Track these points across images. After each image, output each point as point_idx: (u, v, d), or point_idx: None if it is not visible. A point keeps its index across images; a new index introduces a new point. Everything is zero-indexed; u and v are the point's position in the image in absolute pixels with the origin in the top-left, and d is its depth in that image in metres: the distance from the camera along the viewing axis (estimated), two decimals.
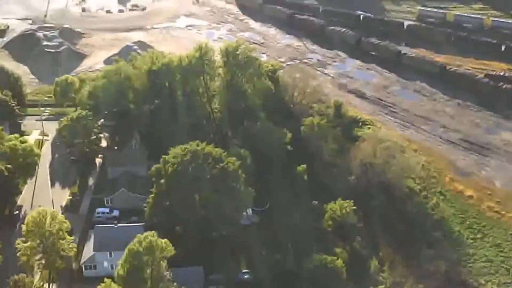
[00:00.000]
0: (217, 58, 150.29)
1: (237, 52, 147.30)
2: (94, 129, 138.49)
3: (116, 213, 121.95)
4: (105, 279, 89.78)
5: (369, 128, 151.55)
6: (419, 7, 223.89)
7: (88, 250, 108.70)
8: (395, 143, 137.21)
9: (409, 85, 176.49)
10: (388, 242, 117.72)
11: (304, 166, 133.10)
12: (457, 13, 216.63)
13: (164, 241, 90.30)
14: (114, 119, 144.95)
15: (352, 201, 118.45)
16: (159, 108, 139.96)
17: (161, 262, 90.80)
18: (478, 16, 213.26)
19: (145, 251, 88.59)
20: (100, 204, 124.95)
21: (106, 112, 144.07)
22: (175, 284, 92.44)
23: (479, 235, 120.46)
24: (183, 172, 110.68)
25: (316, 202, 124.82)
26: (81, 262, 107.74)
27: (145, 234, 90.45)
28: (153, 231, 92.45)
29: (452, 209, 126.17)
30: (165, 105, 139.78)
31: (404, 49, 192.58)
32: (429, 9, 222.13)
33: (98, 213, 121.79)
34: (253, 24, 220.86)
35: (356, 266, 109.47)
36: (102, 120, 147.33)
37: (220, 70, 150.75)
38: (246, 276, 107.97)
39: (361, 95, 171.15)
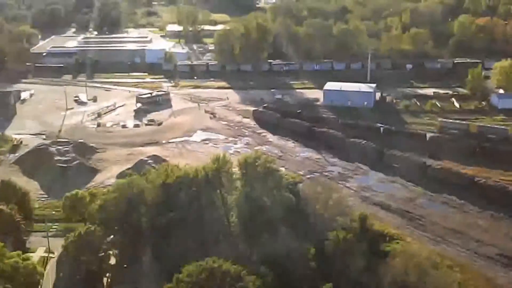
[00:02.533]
0: (235, 170, 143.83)
1: (256, 164, 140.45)
2: (102, 246, 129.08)
3: None
4: None
5: (398, 243, 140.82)
6: (440, 119, 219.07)
7: None
8: (427, 259, 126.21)
9: (437, 197, 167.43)
10: None
11: (330, 285, 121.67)
12: (480, 124, 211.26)
13: None
14: (124, 235, 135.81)
15: None
16: (173, 222, 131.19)
17: None
18: (502, 126, 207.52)
19: None
20: None
21: (116, 228, 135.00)
22: None
23: None
24: None
25: None
26: None
27: None
28: None
29: None
30: (179, 219, 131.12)
31: (429, 161, 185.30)
32: (450, 120, 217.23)
33: None
34: (270, 137, 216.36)
35: None
36: (111, 236, 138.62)
37: (238, 183, 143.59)
38: None
39: (387, 208, 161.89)
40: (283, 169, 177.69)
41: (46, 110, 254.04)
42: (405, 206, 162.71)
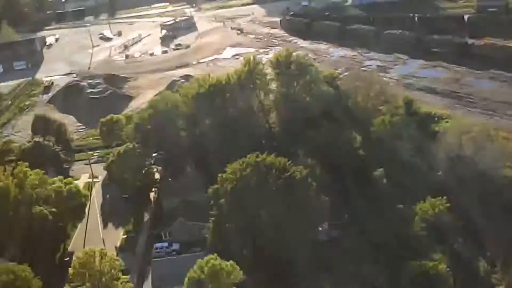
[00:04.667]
0: (268, 71, 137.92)
1: (290, 61, 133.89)
2: (144, 162, 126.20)
3: (176, 246, 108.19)
4: None
5: (447, 122, 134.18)
6: None
7: None
8: (482, 132, 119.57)
9: (483, 74, 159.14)
10: (495, 239, 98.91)
11: (382, 170, 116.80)
12: None
13: (230, 263, 75.10)
14: (165, 150, 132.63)
15: (445, 197, 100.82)
16: (212, 129, 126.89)
17: None
18: None
19: (209, 278, 73.56)
20: (158, 240, 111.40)
21: (155, 144, 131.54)
22: None
23: None
24: (244, 188, 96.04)
25: (402, 206, 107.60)
26: None
27: (207, 258, 75.51)
28: (215, 254, 77.32)
29: None
30: (218, 125, 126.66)
31: (470, 41, 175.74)
32: None
33: (157, 248, 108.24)
34: (302, 43, 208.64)
35: (461, 270, 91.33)
36: (155, 153, 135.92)
37: (273, 84, 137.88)
38: None
39: (432, 91, 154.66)
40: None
41: (73, 51, 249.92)
42: (451, 87, 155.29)
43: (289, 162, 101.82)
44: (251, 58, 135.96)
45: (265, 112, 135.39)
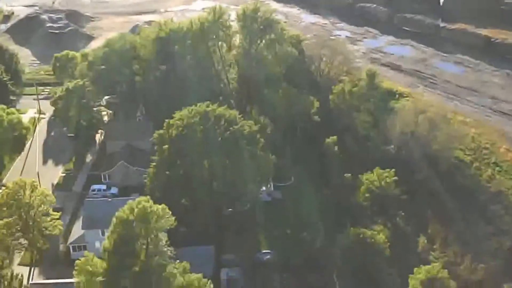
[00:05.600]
0: (233, 23, 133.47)
1: (257, 15, 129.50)
2: (93, 102, 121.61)
3: (114, 190, 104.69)
4: (87, 253, 71.79)
5: (408, 100, 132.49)
6: None
7: (77, 229, 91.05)
8: (439, 113, 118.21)
9: (450, 58, 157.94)
10: (437, 217, 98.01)
11: (334, 137, 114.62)
12: None
13: (161, 207, 71.80)
14: (116, 92, 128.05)
15: (393, 170, 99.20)
16: (167, 76, 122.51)
17: (159, 234, 72.24)
18: None
19: (138, 220, 70.21)
20: (98, 182, 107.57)
21: (107, 85, 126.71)
22: (177, 261, 73.58)
23: None
24: (189, 136, 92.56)
25: (350, 175, 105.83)
26: (68, 242, 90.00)
27: (138, 199, 72.07)
28: (148, 197, 73.89)
29: (511, 181, 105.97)
30: (173, 73, 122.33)
31: (442, 24, 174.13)
32: None
33: (94, 190, 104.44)
34: (275, 5, 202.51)
35: (400, 244, 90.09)
36: (107, 96, 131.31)
37: (237, 38, 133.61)
38: (266, 257, 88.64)
39: (397, 68, 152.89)
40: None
41: None
42: (416, 66, 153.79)
43: (241, 116, 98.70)
44: (217, 7, 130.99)
45: (225, 66, 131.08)
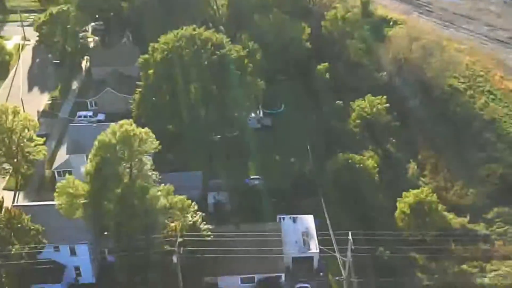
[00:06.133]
0: None
1: None
2: (78, 28, 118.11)
3: (101, 116, 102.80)
4: (68, 176, 70.19)
5: (402, 27, 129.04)
6: None
7: (62, 154, 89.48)
8: (434, 40, 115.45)
9: None
10: (428, 144, 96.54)
11: (326, 64, 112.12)
12: None
13: (144, 130, 69.73)
14: (103, 19, 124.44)
15: (384, 96, 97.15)
16: (154, 2, 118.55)
17: (143, 158, 70.42)
18: None
19: (120, 143, 68.23)
20: (84, 109, 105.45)
21: (94, 11, 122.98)
22: (162, 184, 72.04)
23: None
24: (175, 59, 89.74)
25: (341, 102, 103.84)
26: (53, 167, 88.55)
27: (121, 122, 69.87)
28: (130, 120, 71.62)
29: (505, 109, 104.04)
30: None
31: None
32: None
33: (80, 116, 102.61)
34: None
35: (390, 169, 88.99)
36: (93, 23, 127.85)
37: None
38: (255, 182, 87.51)
39: None
40: None
41: None
42: None
43: (229, 41, 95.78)
44: None
45: None
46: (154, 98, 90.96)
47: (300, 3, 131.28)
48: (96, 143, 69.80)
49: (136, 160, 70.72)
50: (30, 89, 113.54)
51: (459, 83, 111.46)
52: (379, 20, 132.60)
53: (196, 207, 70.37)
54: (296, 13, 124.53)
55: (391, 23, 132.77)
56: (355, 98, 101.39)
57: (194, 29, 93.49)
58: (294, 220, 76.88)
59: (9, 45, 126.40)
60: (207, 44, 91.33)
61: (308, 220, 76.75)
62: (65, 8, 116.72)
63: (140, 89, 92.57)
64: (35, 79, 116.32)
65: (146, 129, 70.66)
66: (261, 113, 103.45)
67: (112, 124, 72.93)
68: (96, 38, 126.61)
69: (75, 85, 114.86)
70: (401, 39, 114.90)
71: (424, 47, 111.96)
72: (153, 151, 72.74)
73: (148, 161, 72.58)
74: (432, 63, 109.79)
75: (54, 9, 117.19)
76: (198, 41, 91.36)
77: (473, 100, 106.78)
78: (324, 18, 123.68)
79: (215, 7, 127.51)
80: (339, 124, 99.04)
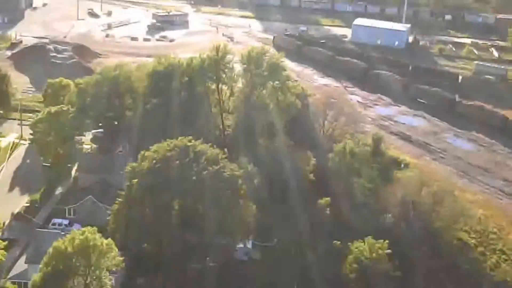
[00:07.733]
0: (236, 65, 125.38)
1: (262, 58, 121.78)
2: (75, 130, 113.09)
3: (77, 226, 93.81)
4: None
5: (413, 171, 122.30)
6: (476, 62, 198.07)
7: (22, 263, 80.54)
8: (445, 188, 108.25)
9: (464, 134, 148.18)
10: None
11: (328, 199, 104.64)
12: None
13: (106, 241, 61.53)
14: (105, 126, 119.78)
15: (387, 241, 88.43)
16: (157, 110, 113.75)
17: (102, 274, 61.64)
18: None
19: (77, 253, 59.88)
20: (62, 216, 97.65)
21: (95, 115, 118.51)
22: None
23: None
24: (162, 171, 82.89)
25: (339, 242, 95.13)
26: (8, 276, 79.39)
27: (83, 229, 61.95)
28: (94, 227, 63.63)
29: None
30: (165, 108, 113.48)
31: (458, 98, 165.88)
32: (488, 64, 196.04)
33: (54, 224, 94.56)
34: (289, 63, 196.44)
35: None
36: (94, 130, 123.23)
37: (239, 80, 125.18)
38: None
39: (406, 138, 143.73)
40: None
41: (56, 19, 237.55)
42: (426, 139, 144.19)
43: (225, 157, 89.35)
44: (221, 45, 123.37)
45: (222, 110, 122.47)
46: (133, 212, 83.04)
47: (309, 132, 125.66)
48: (50, 250, 61.50)
49: (94, 277, 61.93)
50: (11, 189, 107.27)
51: (470, 238, 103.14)
52: (390, 160, 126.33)
53: None
54: (304, 142, 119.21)
55: (402, 165, 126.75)
56: (354, 238, 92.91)
57: (190, 140, 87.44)
58: None
59: (3, 142, 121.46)
60: (200, 158, 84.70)
61: None
62: (64, 108, 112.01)
63: (120, 199, 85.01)
64: (19, 180, 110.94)
65: (109, 240, 62.50)
66: (251, 244, 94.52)
67: (74, 229, 64.97)
68: (94, 146, 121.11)
69: (59, 190, 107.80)
70: (411, 183, 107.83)
71: (435, 194, 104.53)
72: (115, 269, 63.89)
73: (109, 280, 63.72)
74: (442, 212, 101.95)
75: (53, 108, 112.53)
76: (192, 154, 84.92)
77: (483, 258, 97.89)
78: (332, 150, 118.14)
79: (221, 126, 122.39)
80: (334, 266, 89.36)
